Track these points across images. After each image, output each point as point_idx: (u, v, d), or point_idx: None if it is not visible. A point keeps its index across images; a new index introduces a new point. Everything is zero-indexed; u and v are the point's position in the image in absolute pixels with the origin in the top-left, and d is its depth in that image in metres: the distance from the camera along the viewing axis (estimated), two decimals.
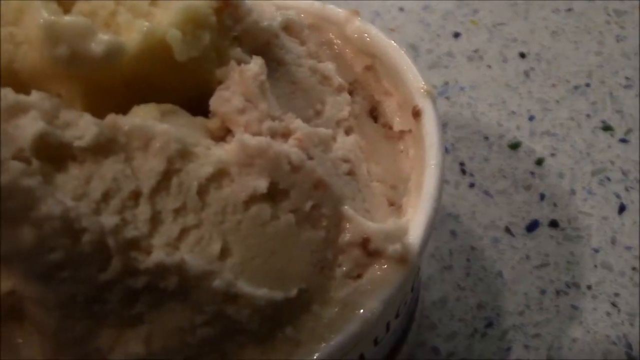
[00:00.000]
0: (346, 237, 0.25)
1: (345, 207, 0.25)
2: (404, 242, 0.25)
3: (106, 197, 0.22)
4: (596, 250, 0.40)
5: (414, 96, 0.29)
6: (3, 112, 0.21)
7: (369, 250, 0.25)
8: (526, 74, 0.48)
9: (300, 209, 0.24)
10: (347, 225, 0.25)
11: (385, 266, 0.25)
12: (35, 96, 0.21)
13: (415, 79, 0.30)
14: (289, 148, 0.24)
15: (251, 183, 0.23)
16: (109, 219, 0.21)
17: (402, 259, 0.25)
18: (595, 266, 0.39)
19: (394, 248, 0.24)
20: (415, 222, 0.26)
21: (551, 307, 0.38)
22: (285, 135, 0.25)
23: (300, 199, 0.24)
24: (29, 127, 0.21)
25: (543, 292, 0.39)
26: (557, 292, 0.39)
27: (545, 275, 0.39)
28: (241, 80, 0.25)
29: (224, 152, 0.23)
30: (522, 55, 0.49)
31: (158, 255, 0.22)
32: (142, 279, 0.22)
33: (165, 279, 0.22)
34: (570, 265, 0.39)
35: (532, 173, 0.43)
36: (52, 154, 0.21)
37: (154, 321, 0.23)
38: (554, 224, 0.41)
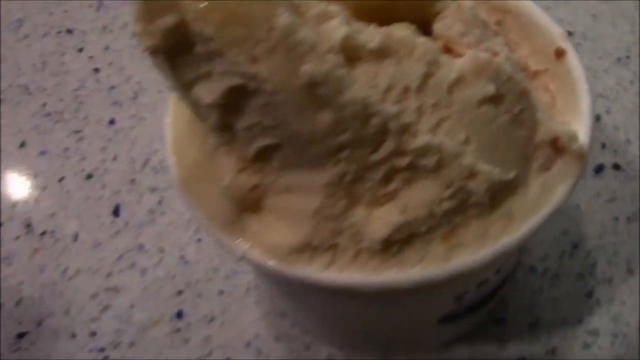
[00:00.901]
0: (540, 136, 0.31)
1: (539, 113, 0.31)
2: (581, 142, 0.32)
3: (388, 90, 0.27)
4: None
5: (556, 39, 0.37)
6: (316, 17, 0.26)
7: (557, 147, 0.31)
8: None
9: (512, 111, 0.30)
10: (541, 127, 0.31)
11: (569, 161, 0.31)
12: (335, 7, 0.27)
13: (553, 26, 0.37)
14: (503, 62, 0.30)
15: (482, 88, 0.29)
16: (391, 107, 0.27)
17: (580, 154, 0.31)
18: None
19: (575, 145, 0.31)
20: (579, 131, 0.33)
21: (624, 231, 0.46)
22: (495, 54, 0.31)
23: (512, 103, 0.30)
24: (336, 30, 0.26)
25: (616, 219, 0.47)
26: (628, 219, 0.46)
27: (615, 207, 0.47)
28: (459, 11, 0.31)
29: (461, 63, 0.29)
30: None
31: (424, 138, 0.27)
32: (406, 159, 0.27)
33: (426, 158, 0.27)
34: (635, 198, 0.48)
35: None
36: (349, 54, 0.27)
37: (407, 196, 0.28)
38: (616, 166, 0.49)
